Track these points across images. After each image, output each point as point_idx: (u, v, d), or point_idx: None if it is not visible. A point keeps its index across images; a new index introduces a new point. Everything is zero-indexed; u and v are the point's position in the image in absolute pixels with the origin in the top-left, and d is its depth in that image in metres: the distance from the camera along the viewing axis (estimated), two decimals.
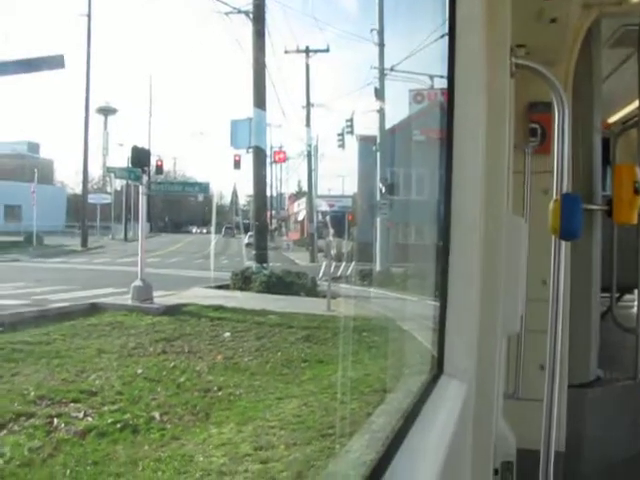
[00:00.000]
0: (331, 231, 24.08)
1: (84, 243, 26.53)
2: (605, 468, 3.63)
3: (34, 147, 35.01)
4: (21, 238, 25.44)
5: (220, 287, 13.37)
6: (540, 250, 2.43)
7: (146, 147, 10.48)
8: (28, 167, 31.84)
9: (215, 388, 7.26)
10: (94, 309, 10.40)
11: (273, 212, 36.98)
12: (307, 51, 23.79)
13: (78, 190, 35.10)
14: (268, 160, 29.48)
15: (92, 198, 30.63)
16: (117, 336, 9.30)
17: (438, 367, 1.98)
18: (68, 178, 40.81)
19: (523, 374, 3.39)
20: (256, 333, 9.62)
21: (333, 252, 21.41)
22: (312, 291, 13.16)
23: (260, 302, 11.60)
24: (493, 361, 2.09)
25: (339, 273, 17.07)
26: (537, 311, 2.44)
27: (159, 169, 28.28)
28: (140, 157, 10.35)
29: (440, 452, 1.44)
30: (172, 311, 10.49)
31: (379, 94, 17.05)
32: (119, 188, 33.69)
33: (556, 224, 2.25)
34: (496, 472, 2.42)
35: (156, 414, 6.30)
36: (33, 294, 11.95)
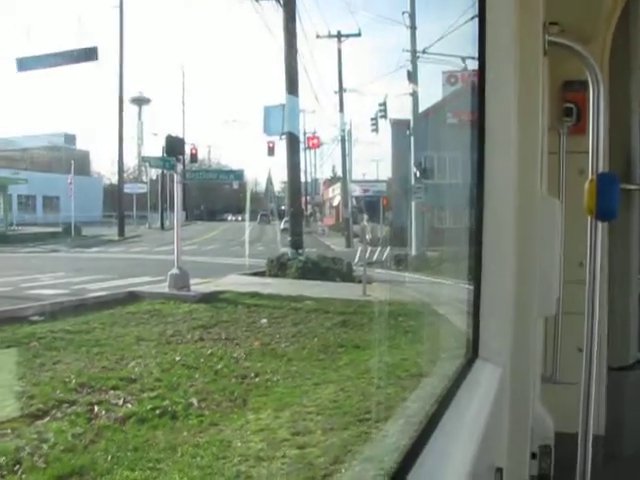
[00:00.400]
0: (365, 216, 24.04)
1: (121, 232, 26.82)
2: None
3: (70, 139, 35.34)
4: (59, 229, 25.78)
5: (256, 274, 13.46)
6: (576, 232, 2.39)
7: (180, 136, 10.55)
8: (65, 159, 32.13)
9: (252, 374, 7.32)
10: (132, 297, 10.54)
11: (308, 198, 37.02)
12: (339, 36, 23.67)
13: (114, 180, 35.36)
14: (302, 146, 29.52)
15: (128, 188, 30.93)
16: (155, 324, 9.41)
17: (473, 351, 1.98)
18: (104, 169, 41.18)
19: (561, 357, 3.34)
20: (292, 319, 9.66)
21: (368, 237, 21.40)
22: (348, 276, 13.16)
23: (296, 288, 11.65)
24: (528, 344, 2.07)
25: (374, 258, 17.06)
26: (574, 293, 2.42)
27: (193, 157, 28.46)
28: (174, 146, 10.43)
29: (475, 435, 1.44)
30: (209, 298, 10.58)
31: (412, 77, 16.93)
32: (154, 177, 33.94)
33: (592, 204, 2.19)
34: (534, 456, 2.40)
35: (194, 400, 6.38)
36: (72, 284, 12.16)
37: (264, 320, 9.60)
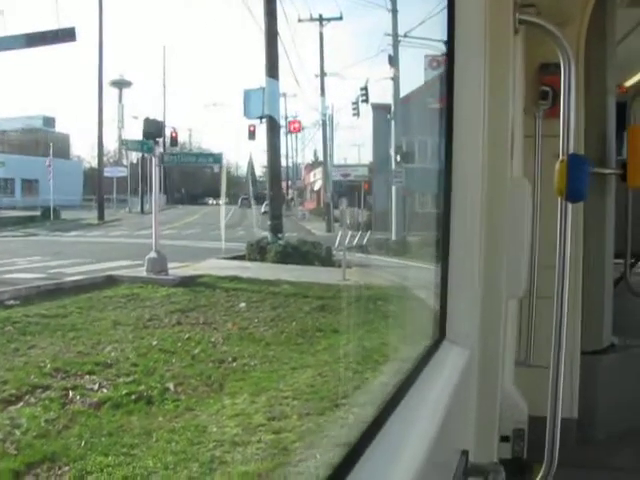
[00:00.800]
0: (345, 201, 23.97)
1: (101, 216, 26.59)
2: (619, 435, 3.58)
3: (49, 121, 34.84)
4: (38, 212, 25.51)
5: (235, 258, 13.37)
6: (552, 215, 2.36)
7: (159, 119, 10.41)
8: (44, 141, 31.78)
9: (229, 359, 7.27)
10: (110, 281, 10.43)
11: (289, 182, 36.88)
12: (321, 19, 23.51)
13: (94, 164, 35.01)
14: (283, 130, 29.36)
15: (108, 171, 30.64)
16: (132, 308, 9.33)
17: (440, 332, 1.93)
18: (85, 152, 40.81)
19: (535, 341, 3.31)
20: (271, 303, 9.61)
21: (348, 221, 21.36)
22: (328, 261, 13.12)
23: (275, 272, 11.58)
24: (498, 326, 2.05)
25: (355, 243, 17.02)
26: (548, 278, 2.36)
27: (174, 141, 28.18)
28: (152, 129, 10.28)
29: (436, 417, 1.39)
30: (187, 282, 10.49)
31: (393, 61, 16.83)
32: (135, 161, 33.66)
33: (562, 185, 2.18)
34: (507, 439, 2.42)
35: (170, 385, 6.33)
36: (49, 267, 12.01)
37: (243, 304, 9.55)
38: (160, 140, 10.38)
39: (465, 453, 1.64)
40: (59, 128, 36.44)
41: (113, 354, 7.28)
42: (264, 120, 13.82)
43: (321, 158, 31.00)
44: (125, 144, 11.81)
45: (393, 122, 17.55)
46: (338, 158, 34.63)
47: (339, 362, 6.81)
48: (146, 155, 14.42)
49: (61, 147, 34.48)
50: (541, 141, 3.29)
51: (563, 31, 2.27)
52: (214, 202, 37.14)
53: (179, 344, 7.92)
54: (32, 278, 10.60)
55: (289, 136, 32.97)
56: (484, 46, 1.92)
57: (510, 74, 2.07)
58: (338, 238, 16.08)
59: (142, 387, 6.20)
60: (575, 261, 3.26)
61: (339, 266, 12.34)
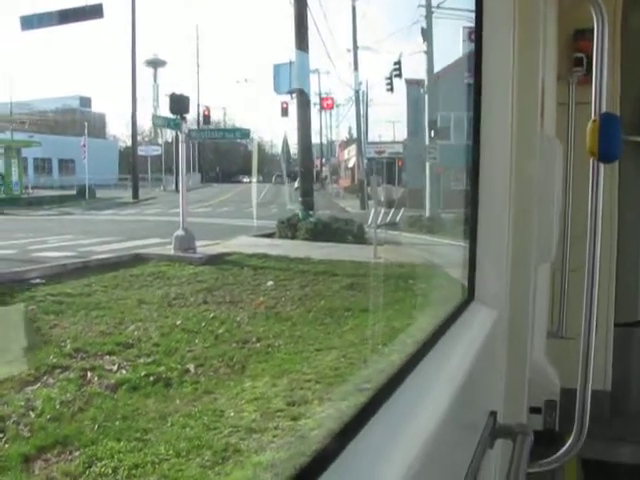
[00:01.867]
0: (378, 178, 23.56)
1: (135, 195, 26.56)
2: None
3: (86, 101, 35.00)
4: (74, 192, 25.65)
5: (266, 235, 13.10)
6: (586, 182, 2.21)
7: (186, 95, 10.12)
8: (80, 121, 32.04)
9: (254, 339, 7.02)
10: (137, 259, 10.24)
11: (323, 160, 36.49)
12: None
13: (130, 143, 35.12)
14: (317, 107, 28.91)
15: (142, 150, 30.61)
16: (158, 286, 9.12)
17: (469, 293, 1.93)
18: (120, 131, 40.84)
19: (567, 313, 3.25)
20: (299, 282, 9.33)
21: (382, 199, 20.98)
22: (359, 238, 12.73)
23: (305, 250, 11.28)
24: (527, 290, 2.04)
25: (388, 220, 16.65)
26: (582, 248, 2.23)
27: (206, 119, 27.99)
28: (179, 104, 9.99)
29: (463, 372, 1.37)
30: (215, 260, 10.25)
31: (426, 34, 16.28)
32: (170, 139, 33.62)
33: (594, 146, 2.04)
34: (539, 410, 2.42)
35: (191, 366, 6.09)
36: (79, 246, 11.89)
37: (270, 282, 9.28)
38: (187, 116, 10.11)
39: (493, 414, 1.64)
40: (95, 108, 36.68)
41: (135, 334, 7.07)
42: (294, 95, 13.47)
43: (355, 135, 30.52)
44: (154, 120, 11.49)
45: (427, 97, 17.06)
46: (373, 135, 34.14)
47: (365, 343, 6.50)
48: (172, 130, 14.17)
49: (97, 127, 34.68)
50: (575, 108, 3.22)
51: None
52: (248, 180, 36.97)
53: (203, 323, 7.69)
54: (61, 256, 10.46)
55: (323, 113, 32.52)
56: (513, 9, 1.89)
57: (540, 38, 2.03)
58: (371, 215, 15.74)
59: (162, 368, 5.97)
60: (610, 231, 3.21)
61: (371, 244, 12.00)
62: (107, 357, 6.29)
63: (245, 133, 15.69)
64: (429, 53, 16.52)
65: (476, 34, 1.90)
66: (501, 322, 1.88)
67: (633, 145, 3.39)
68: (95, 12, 13.18)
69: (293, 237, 12.71)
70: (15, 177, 27.28)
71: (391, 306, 7.89)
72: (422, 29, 15.89)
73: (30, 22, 13.09)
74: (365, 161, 25.46)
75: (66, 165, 29.90)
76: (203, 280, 9.41)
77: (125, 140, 36.75)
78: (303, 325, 7.69)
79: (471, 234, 1.92)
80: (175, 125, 11.01)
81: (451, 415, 1.18)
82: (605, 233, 2.24)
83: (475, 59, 1.90)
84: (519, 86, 1.93)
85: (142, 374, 5.78)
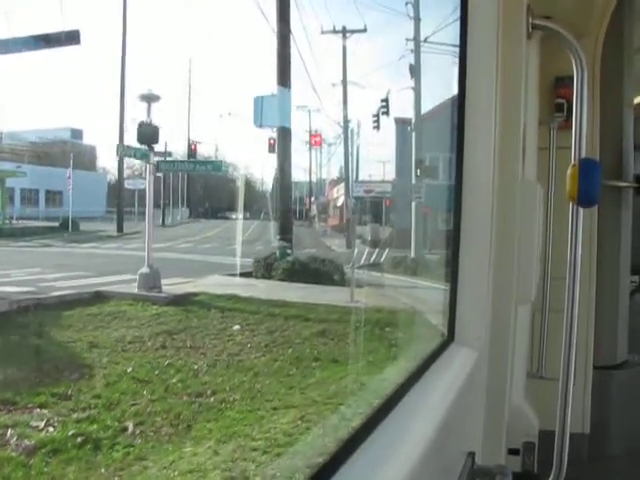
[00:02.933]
0: (364, 217, 22.89)
1: (120, 229, 25.81)
2: (632, 452, 3.44)
3: (77, 133, 34.64)
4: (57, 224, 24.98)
5: (242, 274, 12.28)
6: (565, 225, 2.24)
7: (155, 124, 9.39)
8: (70, 153, 31.71)
9: (209, 392, 6.22)
10: (98, 297, 9.44)
11: (312, 199, 35.86)
12: (344, 32, 22.50)
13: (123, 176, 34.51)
14: (307, 144, 28.36)
15: (130, 184, 29.89)
16: (115, 328, 8.32)
17: (448, 334, 1.92)
18: (110, 164, 40.29)
19: (547, 354, 3.24)
20: (268, 326, 8.54)
21: (369, 238, 20.29)
22: (339, 279, 11.96)
23: (279, 291, 10.49)
24: (507, 330, 2.04)
25: (372, 260, 15.90)
26: (561, 289, 2.22)
27: (193, 153, 27.39)
28: (147, 134, 9.28)
29: (441, 413, 1.35)
30: (181, 301, 9.45)
31: (414, 71, 15.74)
32: (160, 174, 33.01)
33: (573, 190, 2.11)
34: (517, 452, 2.36)
35: (130, 424, 5.28)
36: (43, 280, 11.08)
37: (237, 326, 8.49)
38: (177, 150, 9.32)
39: (471, 455, 1.62)
40: (87, 140, 36.17)
41: (78, 383, 6.26)
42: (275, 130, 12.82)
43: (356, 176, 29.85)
44: (118, 150, 10.76)
45: (414, 135, 16.46)
46: (364, 174, 33.57)
47: (328, 403, 5.69)
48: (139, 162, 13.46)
49: (88, 159, 34.01)
50: (555, 152, 3.24)
51: (579, 41, 2.19)
52: (236, 216, 36.22)
53: (156, 372, 6.90)
54: (17, 292, 9.65)
55: (314, 151, 31.96)
56: (496, 55, 1.90)
57: (522, 85, 2.06)
58: (354, 255, 15.01)
59: (95, 426, 5.16)
60: (588, 273, 3.19)
61: (357, 285, 11.23)
62: (37, 410, 5.47)
63: (218, 165, 14.95)
64: (416, 90, 15.93)
65: (460, 78, 1.89)
66: (480, 363, 1.84)
67: (612, 189, 3.43)
68: (72, 39, 12.64)
69: (269, 277, 11.92)
70: None
71: (364, 357, 7.10)
72: (410, 65, 15.33)
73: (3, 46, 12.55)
74: (352, 200, 24.76)
75: (53, 197, 29.27)
76: (164, 322, 8.61)
77: (114, 173, 36.14)
78: (266, 376, 6.90)
79: (452, 275, 1.91)
80: (142, 156, 10.26)
81: (429, 456, 1.17)
82: (584, 275, 2.25)
83: (458, 102, 1.90)
84: (501, 131, 1.93)
85: (70, 433, 4.96)
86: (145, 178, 33.36)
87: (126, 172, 36.64)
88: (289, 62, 12.53)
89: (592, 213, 3.17)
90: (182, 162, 15.06)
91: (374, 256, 16.51)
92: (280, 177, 13.50)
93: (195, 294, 9.79)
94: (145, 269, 9.84)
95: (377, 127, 19.80)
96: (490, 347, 1.94)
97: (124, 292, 9.57)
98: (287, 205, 13.62)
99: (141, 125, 9.31)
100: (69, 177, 27.59)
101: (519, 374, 2.56)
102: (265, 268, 12.10)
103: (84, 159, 34.34)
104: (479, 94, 1.88)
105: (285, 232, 12.89)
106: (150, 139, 9.29)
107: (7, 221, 28.57)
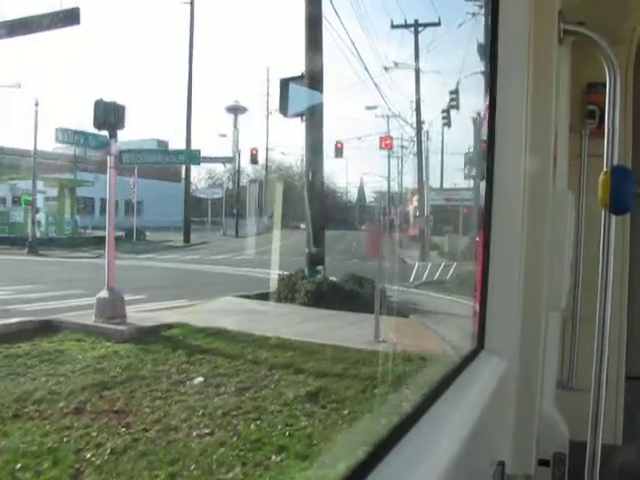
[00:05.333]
0: (443, 227, 19.71)
1: (187, 239, 23.90)
2: None
3: (163, 145, 33.79)
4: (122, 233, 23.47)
5: (262, 296, 9.39)
6: (597, 232, 2.07)
7: (118, 102, 6.71)
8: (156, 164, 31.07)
9: None
10: (45, 328, 6.84)
11: (392, 208, 32.82)
12: (416, 25, 19.38)
13: (200, 185, 33.12)
14: (383, 151, 25.32)
15: (203, 192, 28.20)
16: (33, 377, 5.67)
17: (478, 342, 1.83)
18: (193, 175, 39.01)
19: (578, 363, 3.01)
20: (242, 381, 5.60)
21: (445, 250, 17.33)
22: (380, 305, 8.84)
23: (285, 322, 7.56)
24: (537, 338, 1.92)
25: (436, 277, 12.68)
26: (593, 298, 2.04)
27: (254, 158, 24.99)
28: (106, 116, 6.54)
29: (471, 421, 1.28)
30: (144, 336, 6.65)
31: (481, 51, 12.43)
32: (244, 183, 31.36)
33: (605, 198, 1.94)
34: (547, 463, 2.23)
35: None
36: (10, 302, 8.66)
37: (199, 379, 5.64)
38: (119, 130, 6.68)
39: (501, 464, 1.58)
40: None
41: None
42: (304, 119, 9.88)
43: (433, 183, 26.49)
44: (56, 136, 8.14)
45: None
46: (448, 183, 30.18)
47: None
48: (96, 152, 10.81)
49: (173, 169, 32.92)
50: (587, 160, 3.06)
51: (611, 47, 2.04)
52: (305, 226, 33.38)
53: (37, 460, 4.20)
54: None
55: (397, 159, 28.86)
56: (527, 62, 1.83)
57: (553, 91, 1.97)
58: (414, 271, 11.87)
59: None
60: (620, 281, 2.98)
61: (395, 313, 8.15)
62: None
63: (193, 155, 12.02)
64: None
65: (490, 84, 1.81)
66: (510, 372, 1.76)
67: None
68: (71, 18, 10.37)
69: (292, 299, 8.99)
70: (68, 217, 25.19)
71: (355, 449, 4.06)
72: (478, 45, 11.99)
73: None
74: (428, 209, 21.40)
75: (132, 206, 28.24)
76: (106, 369, 5.87)
77: (196, 184, 34.77)
78: (200, 474, 4.07)
79: (482, 282, 1.81)
80: (99, 145, 7.48)
81: (459, 463, 1.12)
82: (616, 284, 2.15)
83: (489, 111, 1.84)
84: (532, 138, 1.84)
85: None
86: (222, 186, 31.12)
87: (207, 182, 35.14)
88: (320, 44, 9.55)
89: (624, 220, 2.93)
90: (149, 152, 12.26)
91: (439, 271, 13.28)
92: (309, 175, 10.53)
93: (170, 326, 6.98)
94: (104, 293, 7.12)
95: (448, 124, 16.53)
96: (520, 355, 1.79)
97: (78, 322, 6.90)
98: (319, 209, 10.58)
99: (98, 104, 6.60)
100: (133, 186, 26.07)
101: (549, 383, 2.26)
102: (290, 288, 9.17)
103: (170, 170, 33.13)
104: (510, 101, 1.77)
105: (316, 244, 9.90)
106: (111, 123, 6.58)
107: (82, 230, 27.21)
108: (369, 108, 18.26)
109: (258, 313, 8.21)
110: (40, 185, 21.10)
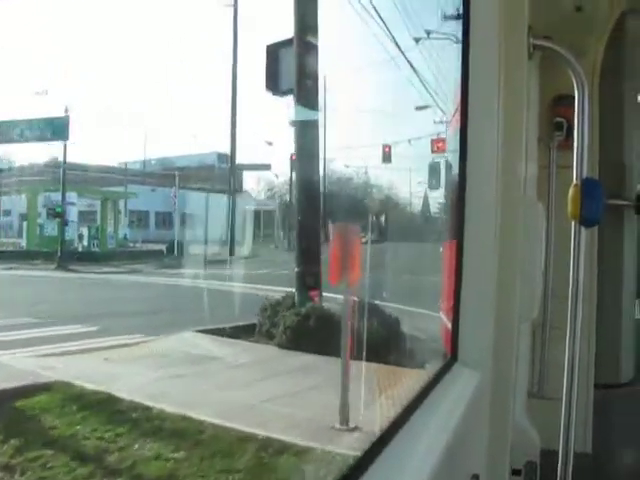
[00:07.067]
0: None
1: (231, 252, 21.75)
2: (636, 472, 2.98)
3: (223, 158, 32.55)
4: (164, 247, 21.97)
5: (235, 331, 6.63)
6: (566, 244, 2.07)
7: None
8: (217, 177, 30.69)
9: None
10: None
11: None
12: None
13: (259, 197, 31.23)
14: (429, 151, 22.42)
15: (250, 204, 26.30)
16: None
17: (452, 355, 1.79)
18: (251, 187, 37.59)
19: (548, 373, 2.90)
20: None
21: None
22: (387, 349, 5.85)
23: (231, 381, 4.78)
24: (510, 349, 1.88)
25: None
26: (562, 308, 2.04)
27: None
28: None
29: (446, 435, 1.27)
30: None
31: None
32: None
33: (576, 210, 1.96)
34: (519, 472, 2.20)
35: None
36: None
37: None
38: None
39: (476, 477, 1.56)
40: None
41: None
42: (289, 96, 6.98)
43: None
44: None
45: None
46: None
47: None
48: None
49: (235, 182, 31.66)
50: (555, 171, 2.95)
51: (578, 60, 2.06)
52: (366, 238, 30.52)
53: None
54: None
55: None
56: (498, 74, 1.82)
57: (524, 103, 1.94)
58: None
59: None
60: (589, 291, 2.87)
61: (403, 363, 5.29)
62: None
63: (59, 126, 8.84)
64: None
65: (462, 97, 1.80)
66: (484, 383, 1.73)
67: (612, 208, 3.10)
68: None
69: (270, 336, 6.23)
70: (111, 230, 23.63)
71: None
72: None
73: None
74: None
75: (190, 219, 26.95)
76: None
77: (255, 196, 33.14)
78: None
79: (455, 295, 1.78)
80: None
81: (433, 478, 1.10)
82: (586, 294, 2.13)
83: (461, 120, 1.82)
84: (504, 150, 1.82)
85: None
86: (275, 198, 28.83)
87: (267, 194, 33.33)
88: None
89: (593, 231, 2.78)
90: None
91: None
92: (300, 182, 7.71)
93: (42, 389, 4.33)
94: None
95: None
96: (493, 367, 1.75)
97: None
98: (310, 223, 7.61)
99: None
100: (174, 196, 24.54)
101: (520, 393, 2.22)
102: (271, 320, 6.45)
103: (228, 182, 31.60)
104: (481, 114, 1.75)
105: (308, 263, 7.06)
106: None
107: (131, 244, 25.53)
108: (419, 108, 15.26)
109: (205, 362, 5.50)
110: (78, 198, 19.68)
